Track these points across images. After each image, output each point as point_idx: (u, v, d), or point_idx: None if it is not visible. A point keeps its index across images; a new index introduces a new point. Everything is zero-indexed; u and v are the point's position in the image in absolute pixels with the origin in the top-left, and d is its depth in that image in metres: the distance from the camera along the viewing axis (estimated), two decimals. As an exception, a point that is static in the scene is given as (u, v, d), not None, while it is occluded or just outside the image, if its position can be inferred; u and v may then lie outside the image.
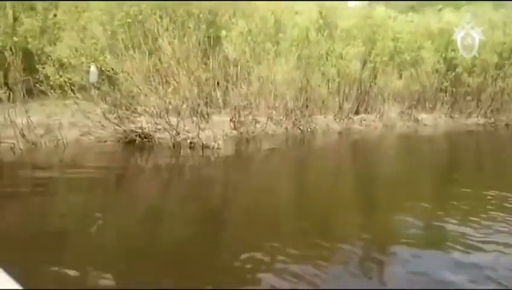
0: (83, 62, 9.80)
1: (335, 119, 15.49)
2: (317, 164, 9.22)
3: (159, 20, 11.26)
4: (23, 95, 9.59)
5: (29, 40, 10.74)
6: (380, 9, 17.87)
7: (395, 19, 18.27)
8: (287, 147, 11.28)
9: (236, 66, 12.09)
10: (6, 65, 9.59)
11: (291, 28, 14.57)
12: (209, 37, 12.38)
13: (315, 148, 11.60)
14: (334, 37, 15.37)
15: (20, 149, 8.76)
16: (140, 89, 9.70)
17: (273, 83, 13.00)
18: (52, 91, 9.85)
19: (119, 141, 10.16)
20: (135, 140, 10.04)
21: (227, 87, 11.73)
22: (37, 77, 9.88)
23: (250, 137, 11.59)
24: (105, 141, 10.26)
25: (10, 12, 10.65)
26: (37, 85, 9.82)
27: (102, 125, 10.02)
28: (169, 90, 9.43)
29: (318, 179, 7.46)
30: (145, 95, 9.73)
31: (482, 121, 19.44)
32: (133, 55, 9.82)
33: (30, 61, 11.21)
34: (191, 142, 9.60)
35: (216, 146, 9.16)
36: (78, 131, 10.51)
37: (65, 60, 9.76)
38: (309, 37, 14.59)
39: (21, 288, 1.16)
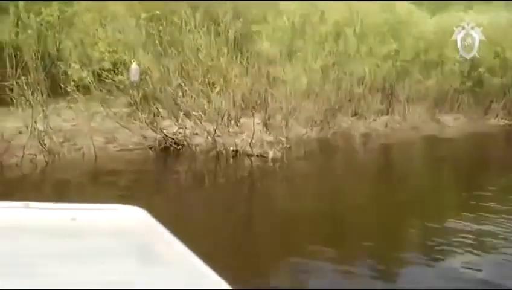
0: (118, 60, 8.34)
1: (360, 120, 14.46)
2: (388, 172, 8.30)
3: (189, 14, 10.01)
4: (43, 97, 8.20)
5: (48, 33, 9.28)
6: (403, 5, 16.86)
7: (417, 17, 17.31)
8: (336, 152, 10.14)
9: (271, 64, 10.85)
10: (22, 63, 8.19)
11: (319, 24, 13.45)
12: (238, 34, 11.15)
13: (363, 153, 10.53)
14: (363, 33, 14.30)
15: (46, 161, 7.40)
16: (184, 90, 8.39)
17: (304, 83, 11.85)
18: (77, 92, 8.47)
19: (150, 148, 8.85)
20: (169, 147, 8.73)
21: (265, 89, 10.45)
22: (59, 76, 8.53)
23: (285, 142, 10.35)
24: (133, 149, 8.96)
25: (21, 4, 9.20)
26: (61, 85, 8.44)
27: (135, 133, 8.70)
28: (216, 91, 8.19)
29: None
30: (191, 97, 8.43)
31: (502, 122, 18.68)
32: (166, 53, 8.54)
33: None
34: (235, 151, 8.36)
35: (271, 155, 7.90)
36: (102, 138, 9.17)
37: (97, 55, 8.36)
38: (340, 33, 13.49)
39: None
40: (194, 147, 8.45)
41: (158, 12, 9.37)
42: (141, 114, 8.34)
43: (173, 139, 8.58)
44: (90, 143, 8.72)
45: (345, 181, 7.61)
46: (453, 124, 17.89)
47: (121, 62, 8.45)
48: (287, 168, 7.82)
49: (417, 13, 17.62)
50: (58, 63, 9.02)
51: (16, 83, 7.85)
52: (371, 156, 10.36)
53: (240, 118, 10.22)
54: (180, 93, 8.50)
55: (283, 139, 7.81)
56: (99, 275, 1.10)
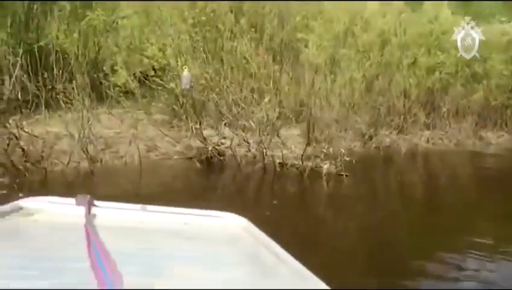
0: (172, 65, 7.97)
1: (403, 134, 13.79)
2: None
3: (233, 20, 9.67)
4: (89, 102, 7.92)
5: (94, 38, 9.04)
6: (447, 15, 16.18)
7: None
8: (385, 168, 9.53)
9: (316, 72, 10.38)
10: (69, 68, 7.97)
11: (362, 33, 12.94)
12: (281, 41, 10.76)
13: (414, 169, 9.89)
14: (407, 44, 13.71)
15: (91, 170, 7.07)
16: (235, 100, 7.99)
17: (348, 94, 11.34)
18: (122, 98, 8.17)
19: (191, 158, 8.45)
20: (211, 157, 8.31)
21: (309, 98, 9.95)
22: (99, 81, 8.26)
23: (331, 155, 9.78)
24: (175, 158, 8.58)
25: (68, 7, 9.01)
26: (107, 91, 8.16)
27: (176, 141, 8.32)
28: (266, 100, 7.75)
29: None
30: (239, 106, 8.02)
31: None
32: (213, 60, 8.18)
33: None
34: (281, 163, 7.87)
35: (326, 169, 7.36)
36: (143, 145, 8.82)
37: (146, 61, 8.05)
38: (384, 42, 12.95)
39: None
40: (239, 158, 7.98)
41: (204, 18, 9.05)
42: (190, 123, 7.90)
43: (216, 149, 8.14)
44: (132, 151, 8.41)
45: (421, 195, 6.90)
46: (495, 141, 17.04)
47: (169, 68, 8.11)
48: (348, 182, 7.20)
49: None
50: (103, 67, 8.74)
51: (63, 88, 7.58)
52: (424, 172, 9.70)
53: (281, 128, 9.77)
54: (229, 102, 8.06)
55: (342, 151, 7.22)
56: (225, 283, 1.10)
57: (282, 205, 5.98)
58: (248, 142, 8.43)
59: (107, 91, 8.44)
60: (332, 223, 5.66)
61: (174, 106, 8.43)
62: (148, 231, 1.39)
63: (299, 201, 6.63)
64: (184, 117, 8.33)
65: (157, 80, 8.34)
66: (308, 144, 7.78)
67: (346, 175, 6.88)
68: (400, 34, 13.69)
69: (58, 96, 7.80)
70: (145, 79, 9.25)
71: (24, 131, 7.25)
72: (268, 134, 7.95)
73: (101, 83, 9.51)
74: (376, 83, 12.49)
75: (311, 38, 11.02)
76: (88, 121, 7.37)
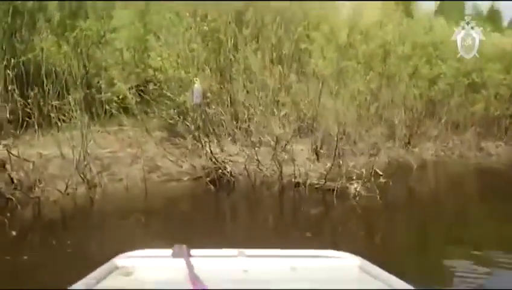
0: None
1: (402, 147, 13.27)
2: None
3: (235, 29, 9.01)
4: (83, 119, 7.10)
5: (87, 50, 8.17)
6: (440, 22, 15.91)
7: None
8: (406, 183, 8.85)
9: (323, 83, 9.75)
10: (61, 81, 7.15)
11: (363, 43, 12.47)
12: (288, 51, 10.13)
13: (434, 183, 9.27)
14: (407, 55, 13.31)
15: (91, 198, 6.23)
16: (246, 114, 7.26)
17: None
18: (122, 114, 7.39)
19: (198, 179, 7.68)
20: (219, 177, 7.53)
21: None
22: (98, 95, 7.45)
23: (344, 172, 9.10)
24: (180, 180, 7.79)
25: (57, 16, 8.19)
26: (105, 106, 7.37)
27: (181, 160, 7.53)
28: (282, 113, 7.07)
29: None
30: (253, 122, 7.29)
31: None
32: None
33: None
34: (299, 183, 7.16)
35: (354, 191, 6.67)
36: (142, 166, 8.01)
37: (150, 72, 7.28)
38: (386, 53, 12.50)
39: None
40: (252, 177, 7.25)
41: (206, 28, 8.37)
42: (203, 140, 7.15)
43: (225, 167, 7.41)
44: (131, 172, 7.62)
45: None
46: (494, 151, 16.78)
47: (176, 81, 7.37)
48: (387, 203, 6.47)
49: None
50: (98, 81, 7.94)
51: (56, 104, 6.78)
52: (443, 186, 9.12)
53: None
54: (240, 116, 7.36)
55: (376, 170, 6.55)
56: None
57: (347, 234, 5.25)
58: (258, 160, 7.73)
59: (106, 107, 7.61)
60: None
61: (175, 122, 7.63)
62: (255, 282, 1.27)
63: (356, 227, 5.82)
64: (189, 134, 7.55)
65: (162, 93, 7.55)
66: (332, 165, 7.05)
67: (379, 197, 6.18)
68: (399, 44, 13.29)
69: (51, 114, 6.96)
70: (142, 93, 8.49)
71: (12, 154, 6.40)
72: (282, 150, 7.26)
73: (93, 98, 8.73)
74: (379, 94, 11.99)
75: (315, 49, 10.48)
76: (88, 140, 6.54)
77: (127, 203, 6.34)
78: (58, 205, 5.82)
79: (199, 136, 7.22)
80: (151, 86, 7.92)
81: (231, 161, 7.82)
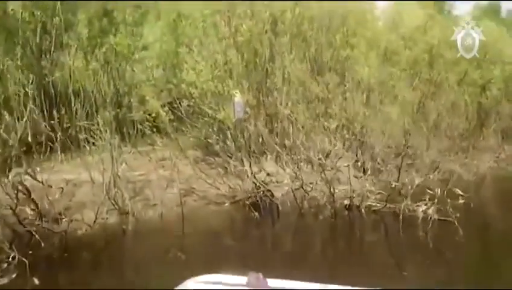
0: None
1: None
2: None
3: (272, 37, 8.33)
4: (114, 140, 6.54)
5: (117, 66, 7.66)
6: (490, 24, 14.76)
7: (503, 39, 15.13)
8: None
9: (368, 93, 8.87)
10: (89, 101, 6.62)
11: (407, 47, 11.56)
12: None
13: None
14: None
15: (123, 230, 5.56)
16: (300, 126, 6.45)
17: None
18: (155, 133, 6.78)
19: (235, 202, 6.92)
20: (260, 199, 6.73)
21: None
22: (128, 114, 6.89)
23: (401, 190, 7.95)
24: (220, 203, 7.04)
25: (85, 33, 7.74)
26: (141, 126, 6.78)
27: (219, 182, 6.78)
28: (333, 126, 6.25)
29: None
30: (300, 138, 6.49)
31: None
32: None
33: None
34: (353, 206, 6.28)
35: (423, 215, 5.67)
36: (176, 189, 7.31)
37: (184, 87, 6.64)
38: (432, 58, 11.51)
39: None
40: (299, 199, 6.40)
41: (241, 38, 7.71)
42: (245, 160, 6.40)
43: (267, 189, 6.61)
44: (165, 197, 6.94)
45: None
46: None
47: (213, 96, 6.68)
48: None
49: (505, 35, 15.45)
50: (130, 99, 7.37)
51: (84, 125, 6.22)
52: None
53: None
54: (285, 130, 6.59)
55: (458, 191, 5.57)
56: None
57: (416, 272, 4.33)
58: (302, 180, 6.89)
59: (137, 126, 7.01)
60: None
61: (214, 141, 6.93)
62: None
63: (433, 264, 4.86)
64: (228, 153, 6.83)
65: (197, 110, 6.87)
66: (396, 183, 6.11)
67: (455, 221, 5.17)
68: (445, 48, 12.26)
69: (79, 136, 6.40)
70: (175, 110, 7.86)
71: (37, 180, 5.83)
72: (332, 168, 6.41)
73: (124, 118, 8.20)
74: (428, 102, 10.99)
75: (357, 56, 9.64)
76: (120, 163, 5.91)
77: (163, 234, 5.60)
78: (87, 239, 5.14)
79: (241, 156, 6.44)
80: (185, 102, 7.25)
81: (275, 182, 7.02)
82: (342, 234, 5.79)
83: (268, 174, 7.37)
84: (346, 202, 6.47)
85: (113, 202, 5.94)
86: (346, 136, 6.97)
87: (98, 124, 6.31)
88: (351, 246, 5.42)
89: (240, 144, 6.63)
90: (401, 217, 5.59)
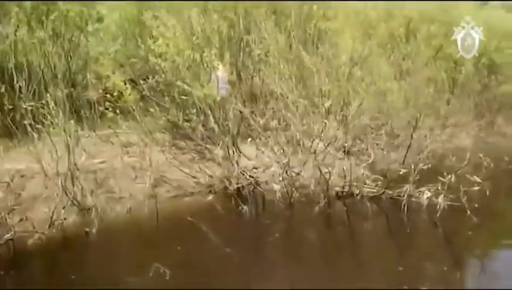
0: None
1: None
2: None
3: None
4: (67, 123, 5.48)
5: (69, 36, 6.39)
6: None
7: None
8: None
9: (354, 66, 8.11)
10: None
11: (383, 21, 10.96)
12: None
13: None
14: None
15: (86, 233, 4.58)
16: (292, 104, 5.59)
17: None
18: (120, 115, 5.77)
19: (212, 192, 6.08)
20: (240, 188, 5.92)
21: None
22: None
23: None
24: (193, 194, 6.18)
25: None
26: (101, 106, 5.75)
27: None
28: (327, 105, 5.47)
29: None
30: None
31: None
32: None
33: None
34: (344, 192, 5.60)
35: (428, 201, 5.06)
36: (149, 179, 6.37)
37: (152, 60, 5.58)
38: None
39: None
40: (288, 189, 5.64)
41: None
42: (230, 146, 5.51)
43: (253, 177, 5.83)
44: (133, 188, 6.00)
45: None
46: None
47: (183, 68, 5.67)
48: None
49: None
50: (86, 76, 6.27)
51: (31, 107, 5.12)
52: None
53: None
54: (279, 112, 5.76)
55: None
56: None
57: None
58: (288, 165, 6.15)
59: (96, 107, 5.97)
60: None
61: (194, 123, 6.01)
62: None
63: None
64: (205, 137, 5.96)
65: (167, 88, 5.89)
66: (401, 167, 5.42)
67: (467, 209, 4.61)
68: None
69: (26, 119, 5.30)
70: (141, 88, 6.83)
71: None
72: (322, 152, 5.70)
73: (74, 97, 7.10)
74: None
75: (337, 28, 8.88)
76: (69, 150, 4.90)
77: (135, 239, 4.70)
78: (40, 248, 4.16)
79: (224, 140, 5.57)
80: (152, 79, 6.24)
81: (259, 169, 6.24)
82: (340, 226, 5.12)
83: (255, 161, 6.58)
84: (339, 189, 5.79)
85: (72, 197, 4.95)
86: (337, 116, 6.25)
87: (48, 105, 5.22)
88: (353, 240, 4.76)
89: (224, 128, 5.73)
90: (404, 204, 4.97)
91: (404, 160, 5.60)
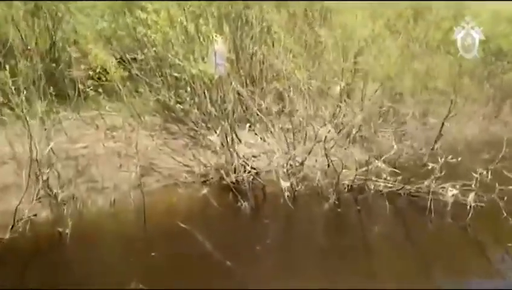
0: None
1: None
2: None
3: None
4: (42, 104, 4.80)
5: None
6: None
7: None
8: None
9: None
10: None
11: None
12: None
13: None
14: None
15: (59, 234, 3.89)
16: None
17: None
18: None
19: (206, 183, 5.42)
20: (237, 181, 5.25)
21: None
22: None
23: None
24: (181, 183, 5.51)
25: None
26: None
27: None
28: (339, 89, 4.75)
29: None
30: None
31: None
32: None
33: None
34: (355, 186, 4.98)
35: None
36: (132, 165, 5.67)
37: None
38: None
39: None
40: (295, 183, 4.99)
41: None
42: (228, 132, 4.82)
43: (253, 167, 5.16)
44: (118, 177, 5.33)
45: None
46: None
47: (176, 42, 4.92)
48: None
49: None
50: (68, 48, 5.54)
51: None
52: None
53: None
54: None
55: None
56: None
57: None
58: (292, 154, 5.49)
59: (80, 86, 5.26)
60: None
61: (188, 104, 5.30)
62: None
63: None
64: (199, 121, 5.27)
65: (159, 64, 5.15)
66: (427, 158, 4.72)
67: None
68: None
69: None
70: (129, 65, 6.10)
71: None
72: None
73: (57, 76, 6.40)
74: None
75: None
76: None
77: (117, 243, 4.03)
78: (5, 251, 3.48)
79: (223, 125, 4.88)
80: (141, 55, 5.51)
81: (263, 158, 5.58)
82: (354, 227, 4.49)
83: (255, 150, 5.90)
84: (349, 182, 5.15)
85: (48, 189, 4.27)
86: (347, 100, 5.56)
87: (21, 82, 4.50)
88: (370, 246, 4.13)
89: (223, 111, 5.03)
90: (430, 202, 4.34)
91: (433, 148, 4.85)
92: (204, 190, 5.14)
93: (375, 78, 7.45)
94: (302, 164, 5.38)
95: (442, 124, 4.62)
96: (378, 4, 8.23)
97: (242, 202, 4.64)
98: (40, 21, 6.82)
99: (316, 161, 5.55)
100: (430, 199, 4.42)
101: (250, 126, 6.14)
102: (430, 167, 4.47)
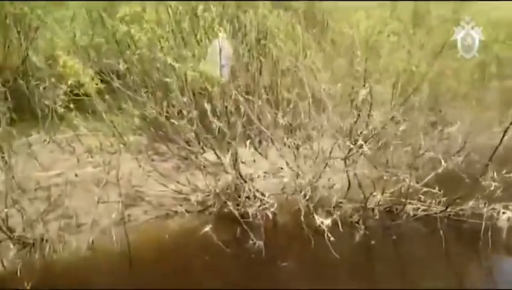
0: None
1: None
2: None
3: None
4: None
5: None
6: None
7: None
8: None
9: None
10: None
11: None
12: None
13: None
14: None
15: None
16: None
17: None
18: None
19: (202, 211, 4.53)
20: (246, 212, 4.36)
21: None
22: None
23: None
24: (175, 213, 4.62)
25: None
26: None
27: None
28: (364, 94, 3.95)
29: None
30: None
31: None
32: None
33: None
34: (386, 210, 4.14)
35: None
36: (114, 193, 4.76)
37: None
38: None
39: None
40: (306, 207, 4.15)
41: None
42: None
43: (265, 196, 4.31)
44: (98, 211, 4.42)
45: None
46: None
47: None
48: None
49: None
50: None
51: None
52: None
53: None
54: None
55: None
56: None
57: None
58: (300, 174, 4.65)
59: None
60: None
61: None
62: None
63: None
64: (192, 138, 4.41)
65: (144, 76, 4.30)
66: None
67: None
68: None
69: None
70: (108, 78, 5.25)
71: None
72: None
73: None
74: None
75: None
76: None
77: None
78: None
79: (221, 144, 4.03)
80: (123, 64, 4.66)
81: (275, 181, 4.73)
82: (394, 265, 3.65)
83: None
84: (375, 205, 4.31)
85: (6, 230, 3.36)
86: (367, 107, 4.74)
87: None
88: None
89: (228, 124, 4.15)
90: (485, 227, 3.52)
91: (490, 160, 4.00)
92: (203, 223, 4.25)
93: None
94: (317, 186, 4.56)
95: (505, 132, 3.85)
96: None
97: (253, 239, 3.74)
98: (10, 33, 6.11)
99: (330, 180, 4.76)
100: (482, 224, 3.61)
101: (250, 142, 5.32)
102: (484, 184, 3.68)
